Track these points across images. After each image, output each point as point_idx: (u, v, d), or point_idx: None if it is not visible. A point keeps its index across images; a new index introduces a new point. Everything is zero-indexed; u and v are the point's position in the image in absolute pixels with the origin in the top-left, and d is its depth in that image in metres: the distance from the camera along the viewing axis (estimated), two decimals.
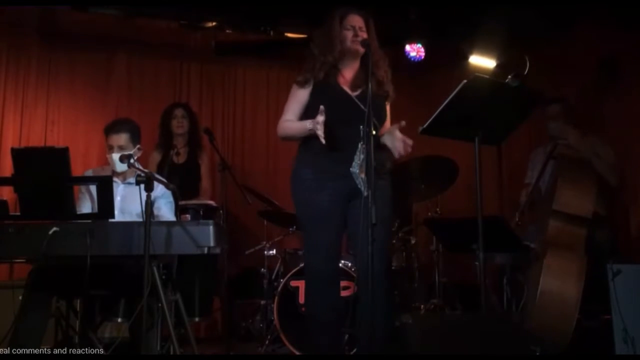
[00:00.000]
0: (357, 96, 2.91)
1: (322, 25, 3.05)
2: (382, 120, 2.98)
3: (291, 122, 2.97)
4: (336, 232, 2.93)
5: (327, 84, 2.94)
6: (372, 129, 2.60)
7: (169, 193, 3.37)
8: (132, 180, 3.36)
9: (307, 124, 2.81)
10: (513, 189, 4.40)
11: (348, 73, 2.99)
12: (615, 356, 3.15)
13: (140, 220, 2.79)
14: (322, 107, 2.72)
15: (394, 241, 4.37)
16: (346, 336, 3.71)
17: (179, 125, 4.67)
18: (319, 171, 2.90)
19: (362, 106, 2.73)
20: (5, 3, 4.54)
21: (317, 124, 2.70)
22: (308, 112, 2.94)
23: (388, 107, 3.07)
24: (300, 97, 2.98)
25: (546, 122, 4.13)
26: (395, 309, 2.82)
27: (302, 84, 2.98)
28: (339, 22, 2.98)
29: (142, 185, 2.77)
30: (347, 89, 2.95)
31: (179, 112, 4.70)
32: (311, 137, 2.84)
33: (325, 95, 2.91)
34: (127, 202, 3.34)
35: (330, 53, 2.95)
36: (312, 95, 2.96)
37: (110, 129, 3.38)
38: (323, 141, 2.70)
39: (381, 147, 2.89)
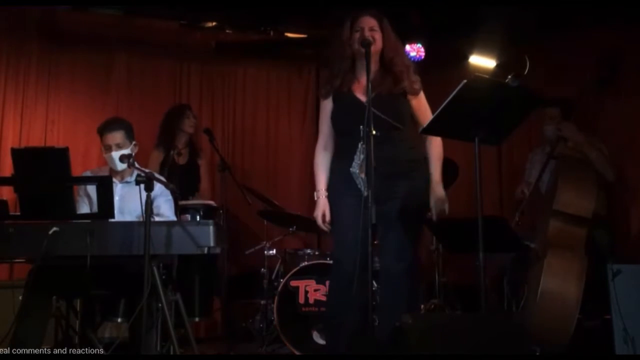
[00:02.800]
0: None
1: (336, 31, 3.06)
2: (402, 119, 2.94)
3: (320, 168, 3.05)
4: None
5: (341, 92, 2.97)
6: (372, 128, 2.60)
7: (167, 191, 3.37)
8: (130, 179, 3.37)
9: (319, 194, 3.00)
10: (513, 189, 4.39)
11: (365, 77, 2.98)
12: (615, 356, 3.15)
13: (140, 219, 2.79)
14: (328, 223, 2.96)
15: None
16: None
17: (192, 125, 4.74)
18: (344, 173, 2.94)
19: (375, 111, 2.71)
20: (5, 3, 4.53)
21: (320, 220, 2.96)
22: (331, 121, 3.02)
23: (417, 102, 3.02)
24: (326, 108, 3.05)
25: (543, 125, 4.13)
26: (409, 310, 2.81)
27: (324, 96, 3.04)
28: (349, 27, 2.97)
29: (142, 185, 2.77)
30: (360, 95, 2.94)
31: (190, 112, 4.77)
32: (333, 143, 3.04)
33: (338, 105, 2.98)
34: (126, 202, 3.33)
35: (343, 59, 2.96)
36: (333, 104, 3.02)
37: (105, 129, 3.37)
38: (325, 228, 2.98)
39: (398, 143, 2.92)
